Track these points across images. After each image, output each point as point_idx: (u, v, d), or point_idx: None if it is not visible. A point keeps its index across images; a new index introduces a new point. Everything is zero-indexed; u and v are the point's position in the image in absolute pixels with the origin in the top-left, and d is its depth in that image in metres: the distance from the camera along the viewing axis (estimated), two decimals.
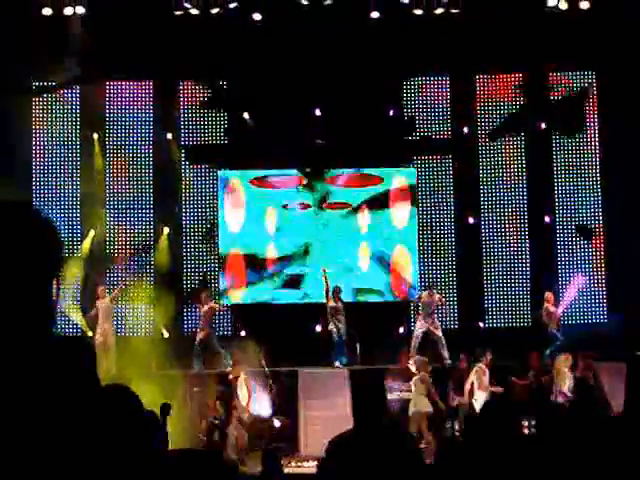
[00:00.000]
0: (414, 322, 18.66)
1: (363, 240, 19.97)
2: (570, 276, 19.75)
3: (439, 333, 18.02)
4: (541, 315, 18.20)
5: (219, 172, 20.11)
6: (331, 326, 17.78)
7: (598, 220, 19.92)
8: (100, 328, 17.88)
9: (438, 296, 18.38)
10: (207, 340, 17.97)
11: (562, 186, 20.09)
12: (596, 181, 20.01)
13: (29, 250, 2.15)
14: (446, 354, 17.77)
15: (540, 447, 5.02)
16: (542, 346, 17.62)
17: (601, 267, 19.82)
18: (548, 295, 18.29)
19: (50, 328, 2.16)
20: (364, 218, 20.06)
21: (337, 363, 17.54)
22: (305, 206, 20.03)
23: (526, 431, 15.64)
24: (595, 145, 20.08)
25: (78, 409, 2.02)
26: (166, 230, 19.63)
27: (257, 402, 16.33)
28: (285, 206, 19.99)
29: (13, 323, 2.07)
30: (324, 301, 17.98)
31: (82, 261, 19.10)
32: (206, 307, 18.15)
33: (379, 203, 20.04)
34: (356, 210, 20.04)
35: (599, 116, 20.01)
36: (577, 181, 20.07)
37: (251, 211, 19.98)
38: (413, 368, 16.04)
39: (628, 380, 4.65)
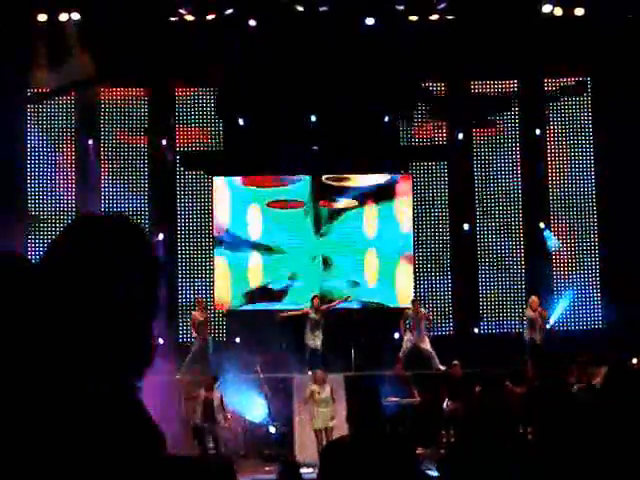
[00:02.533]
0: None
1: (371, 247, 19.95)
2: (565, 282, 19.78)
3: (427, 347, 17.97)
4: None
5: (214, 178, 20.09)
6: (308, 339, 17.73)
7: (593, 225, 19.95)
8: None
9: (424, 311, 18.33)
10: (199, 350, 17.89)
11: (557, 192, 20.11)
12: (591, 186, 20.03)
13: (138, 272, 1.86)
14: (437, 364, 17.77)
15: (540, 452, 5.01)
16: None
17: (596, 273, 19.85)
18: (532, 299, 18.26)
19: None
20: (371, 216, 20.00)
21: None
22: (298, 204, 20.00)
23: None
24: (590, 150, 20.10)
25: None
26: (160, 236, 19.58)
27: (252, 409, 16.34)
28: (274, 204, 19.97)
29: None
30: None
31: None
32: (196, 315, 18.14)
33: (385, 195, 20.01)
34: (362, 205, 19.94)
35: (593, 122, 20.04)
36: (572, 186, 20.08)
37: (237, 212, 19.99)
38: None
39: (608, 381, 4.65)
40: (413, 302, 18.51)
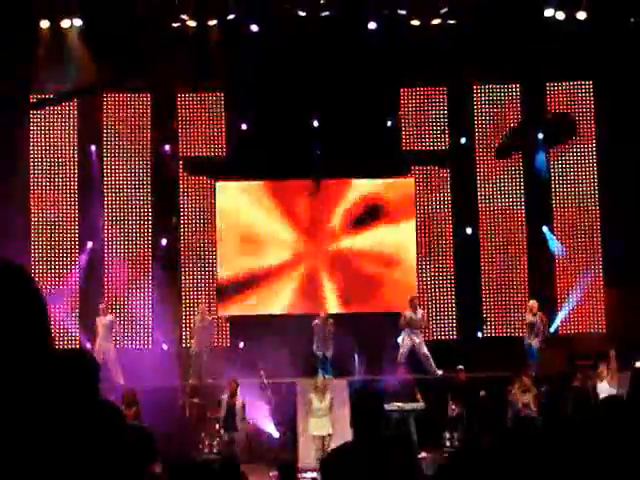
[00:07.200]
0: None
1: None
2: (568, 286, 19.76)
3: (424, 350, 17.91)
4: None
5: (217, 183, 20.08)
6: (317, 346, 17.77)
7: (596, 230, 19.92)
8: (98, 345, 17.65)
9: (422, 313, 18.24)
10: (198, 352, 17.91)
11: (560, 196, 20.08)
12: (594, 191, 19.99)
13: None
14: (433, 368, 17.74)
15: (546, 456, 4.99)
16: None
17: (599, 276, 19.80)
18: (531, 303, 18.26)
19: (49, 341, 2.09)
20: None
21: (325, 376, 17.15)
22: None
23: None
24: (593, 155, 20.06)
25: (75, 423, 1.98)
26: (164, 242, 19.59)
27: (256, 414, 16.32)
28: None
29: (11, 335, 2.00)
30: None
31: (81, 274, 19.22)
32: (198, 320, 18.13)
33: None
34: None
35: (596, 126, 20.01)
36: (575, 191, 20.05)
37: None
38: None
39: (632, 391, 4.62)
40: (412, 300, 18.43)
